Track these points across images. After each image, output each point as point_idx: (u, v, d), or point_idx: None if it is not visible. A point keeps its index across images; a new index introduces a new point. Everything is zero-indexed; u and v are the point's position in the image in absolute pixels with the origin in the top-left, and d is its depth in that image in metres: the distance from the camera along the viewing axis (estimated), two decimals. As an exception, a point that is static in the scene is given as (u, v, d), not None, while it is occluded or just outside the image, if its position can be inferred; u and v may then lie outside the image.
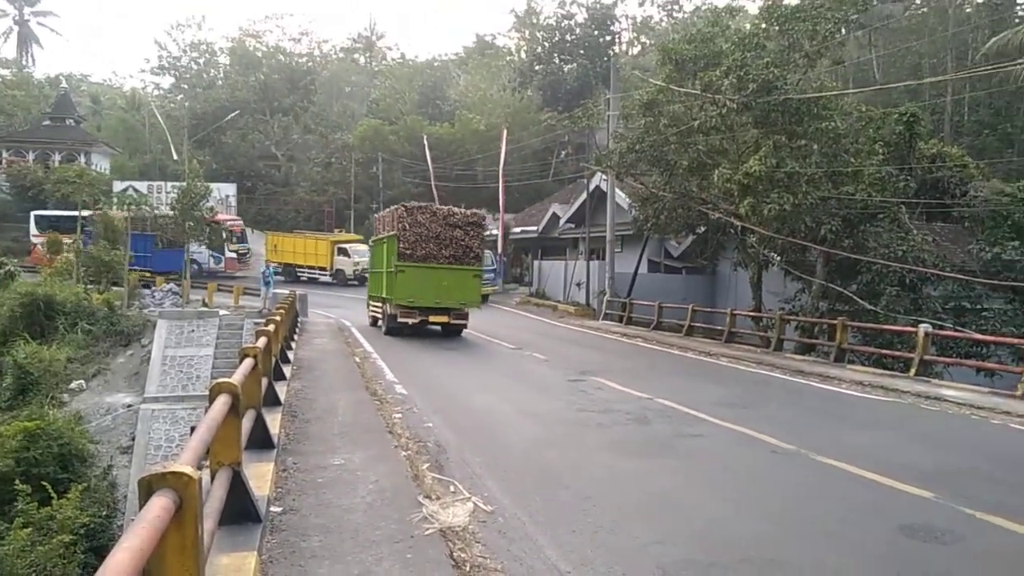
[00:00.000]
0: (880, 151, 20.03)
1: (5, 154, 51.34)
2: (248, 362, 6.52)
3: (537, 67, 59.20)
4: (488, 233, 45.06)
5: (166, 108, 68.03)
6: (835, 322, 17.82)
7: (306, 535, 5.44)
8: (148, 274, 33.42)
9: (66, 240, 34.51)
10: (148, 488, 2.78)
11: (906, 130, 22.71)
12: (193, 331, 23.98)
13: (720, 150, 21.46)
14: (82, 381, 22.81)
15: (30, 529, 13.08)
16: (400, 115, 59.32)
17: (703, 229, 26.73)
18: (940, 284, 20.47)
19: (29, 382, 21.45)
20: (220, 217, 39.40)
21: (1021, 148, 35.76)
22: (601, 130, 31.41)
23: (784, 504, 6.95)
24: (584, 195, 33.42)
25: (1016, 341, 15.41)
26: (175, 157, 53.11)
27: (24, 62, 76.14)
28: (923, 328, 15.43)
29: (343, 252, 42.12)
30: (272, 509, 5.79)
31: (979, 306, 20.41)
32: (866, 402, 12.71)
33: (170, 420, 21.02)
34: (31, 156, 50.87)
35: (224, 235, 39.58)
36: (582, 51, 58.30)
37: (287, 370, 12.89)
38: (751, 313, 22.53)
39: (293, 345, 16.94)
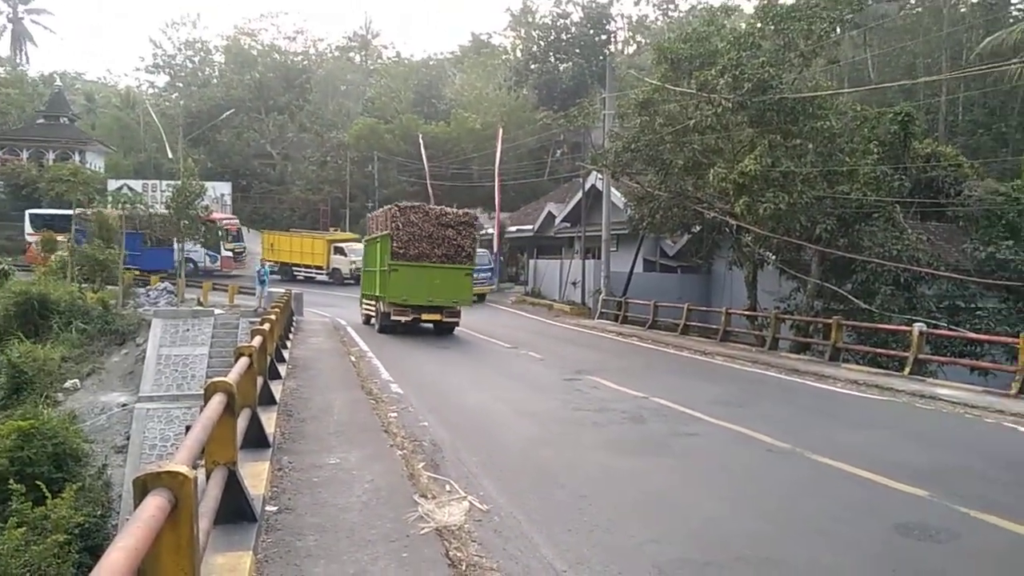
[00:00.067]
0: (875, 150, 20.06)
1: (-1, 152, 51.18)
2: (243, 361, 6.51)
3: (533, 66, 59.21)
4: (484, 232, 45.20)
5: (161, 106, 67.80)
6: (830, 321, 17.86)
7: (302, 534, 5.44)
8: (137, 272, 33.32)
9: (60, 239, 34.40)
10: (143, 487, 2.77)
11: (901, 130, 22.76)
12: (188, 330, 23.93)
13: (715, 149, 21.48)
14: (76, 380, 22.74)
15: (24, 529, 13.03)
16: (396, 114, 59.24)
17: (698, 228, 26.78)
18: (935, 283, 20.53)
19: (23, 381, 21.37)
20: (216, 216, 39.36)
21: (1015, 147, 35.81)
22: (597, 129, 31.42)
23: (779, 503, 6.96)
24: (580, 194, 33.43)
25: (1010, 340, 15.42)
26: (170, 156, 52.91)
27: (18, 60, 75.83)
28: (918, 327, 15.46)
29: (339, 251, 42.05)
30: (268, 508, 5.77)
31: (973, 305, 20.49)
32: (861, 401, 12.74)
33: (165, 419, 20.97)
34: (25, 154, 50.67)
35: (220, 234, 39.52)
36: (578, 50, 58.32)
37: (282, 369, 12.88)
38: (746, 312, 22.57)
39: (288, 344, 16.92)
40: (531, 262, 40.24)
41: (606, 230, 29.28)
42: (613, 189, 29.49)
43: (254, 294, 28.99)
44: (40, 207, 40.95)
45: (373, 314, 23.05)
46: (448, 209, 22.43)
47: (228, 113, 57.56)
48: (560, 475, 7.61)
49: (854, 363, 17.06)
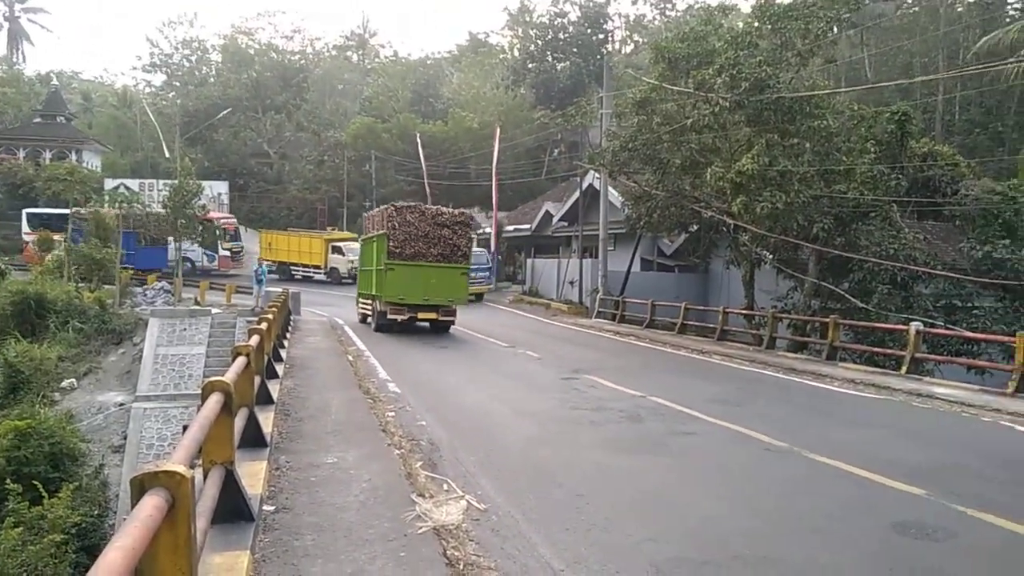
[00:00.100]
0: (872, 150, 20.10)
1: (-5, 152, 51.05)
2: (241, 360, 6.50)
3: (530, 65, 59.21)
4: (481, 231, 45.22)
5: (158, 105, 67.79)
6: (827, 320, 17.90)
7: (299, 534, 5.43)
8: (133, 271, 33.28)
9: (56, 238, 34.36)
10: (140, 487, 2.77)
11: (898, 129, 22.80)
12: (185, 329, 23.89)
13: (713, 148, 21.49)
14: (73, 380, 22.70)
15: (21, 528, 13.00)
16: (393, 113, 59.22)
17: (696, 227, 26.80)
18: (931, 282, 20.57)
19: (20, 381, 21.32)
20: (214, 215, 39.31)
21: (1012, 147, 35.90)
22: (594, 128, 31.48)
23: (777, 502, 6.97)
24: (577, 193, 33.44)
25: (1006, 339, 15.45)
26: (167, 155, 52.93)
27: (14, 59, 75.69)
28: (914, 326, 15.49)
29: (337, 250, 42.01)
30: (265, 508, 5.77)
31: (970, 304, 20.52)
32: (858, 400, 12.76)
33: (162, 419, 20.93)
34: (22, 154, 50.56)
35: (218, 233, 39.48)
36: (575, 49, 58.34)
37: (280, 368, 12.86)
38: (743, 311, 22.58)
39: (286, 343, 16.91)
40: (528, 261, 40.23)
41: (603, 229, 29.29)
42: (610, 188, 29.50)
43: (251, 293, 28.97)
44: (37, 206, 40.89)
45: (369, 313, 23.22)
46: (444, 209, 22.61)
47: (225, 112, 57.54)
48: (558, 474, 7.62)
49: (851, 362, 17.09)
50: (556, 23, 60.26)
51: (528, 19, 66.20)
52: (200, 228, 33.18)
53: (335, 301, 31.68)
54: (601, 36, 61.14)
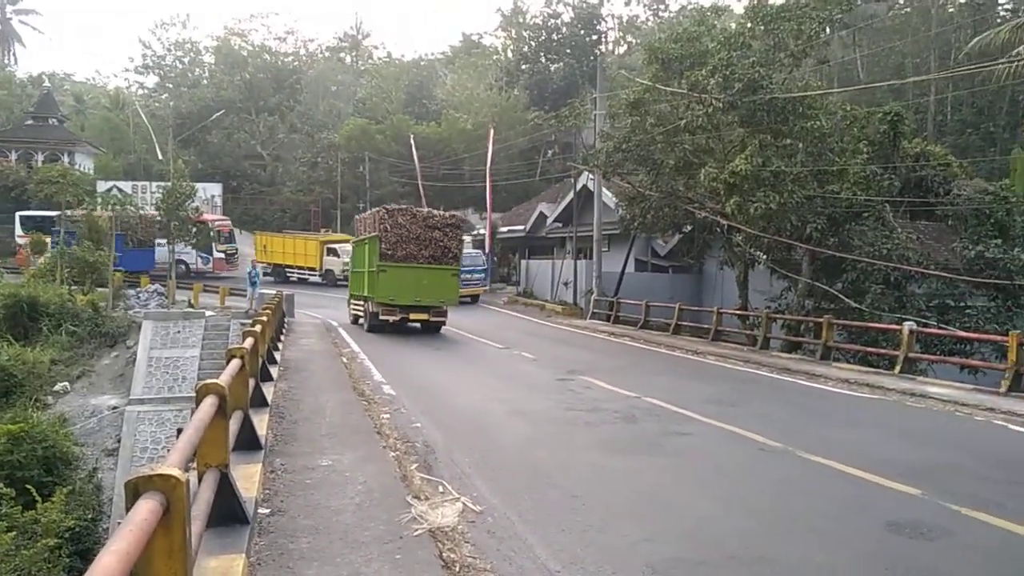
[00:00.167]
0: (864, 150, 20.16)
1: (-13, 154, 50.84)
2: (235, 363, 6.48)
3: (524, 66, 59.27)
4: (475, 232, 45.21)
5: (150, 107, 67.52)
6: (821, 320, 17.94)
7: (295, 537, 5.42)
8: (123, 274, 33.14)
9: (47, 240, 34.24)
10: (135, 491, 2.76)
11: (890, 129, 22.87)
12: (179, 332, 23.82)
13: (706, 149, 21.53)
14: (66, 383, 22.60)
15: (14, 533, 12.93)
16: (387, 114, 59.16)
17: (690, 228, 26.83)
18: (924, 282, 20.64)
19: (12, 384, 21.21)
20: (208, 217, 39.15)
21: (1003, 147, 36.06)
22: (588, 129, 31.46)
23: (772, 502, 6.99)
24: (571, 194, 33.44)
25: (999, 338, 15.54)
26: (160, 157, 52.66)
27: (6, 61, 75.32)
28: (907, 326, 15.54)
29: (332, 252, 41.90)
30: (260, 511, 5.76)
31: (962, 304, 20.62)
32: (852, 399, 12.79)
33: (156, 422, 20.86)
34: (13, 156, 50.35)
35: (212, 235, 39.35)
36: (568, 50, 58.43)
37: (274, 371, 12.84)
38: (738, 312, 22.63)
39: (280, 346, 16.88)
40: (523, 262, 40.23)
41: (597, 230, 29.32)
42: (604, 189, 29.52)
43: (245, 296, 28.88)
44: (29, 209, 40.71)
45: (361, 314, 23.50)
46: (435, 211, 23.14)
47: (218, 114, 57.40)
48: (553, 475, 7.62)
49: (845, 362, 17.13)
50: (549, 24, 60.35)
51: (521, 20, 66.26)
52: (194, 230, 33.03)
53: (330, 303, 31.60)
54: (594, 37, 61.25)
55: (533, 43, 60.78)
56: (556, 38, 59.69)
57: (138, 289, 32.26)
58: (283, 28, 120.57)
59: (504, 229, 43.11)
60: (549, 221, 37.34)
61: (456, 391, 13.22)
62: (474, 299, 34.73)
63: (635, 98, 22.94)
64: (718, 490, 7.36)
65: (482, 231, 42.64)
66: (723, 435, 9.63)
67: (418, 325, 21.79)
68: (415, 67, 73.99)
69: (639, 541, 5.80)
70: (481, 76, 60.43)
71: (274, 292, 25.44)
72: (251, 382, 7.81)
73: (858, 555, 5.57)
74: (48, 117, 53.08)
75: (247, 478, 5.94)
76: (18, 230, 39.93)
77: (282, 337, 18.84)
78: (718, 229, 23.85)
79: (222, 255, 41.81)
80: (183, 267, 37.76)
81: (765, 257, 22.19)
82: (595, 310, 28.65)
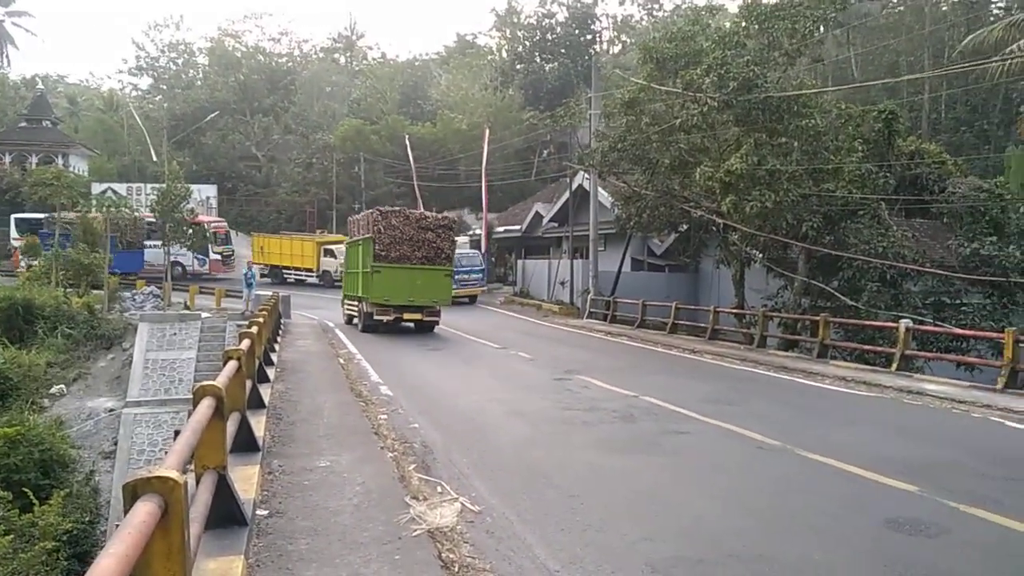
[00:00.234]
0: (860, 148, 20.19)
1: (-19, 156, 50.65)
2: (232, 364, 6.47)
3: (518, 66, 59.32)
4: (471, 232, 45.19)
5: (145, 109, 67.37)
6: (817, 318, 17.96)
7: (293, 538, 5.41)
8: (118, 276, 33.05)
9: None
10: (133, 493, 2.75)
11: (885, 127, 22.91)
12: (175, 334, 23.77)
13: (702, 148, 21.54)
14: (63, 386, 22.53)
15: (12, 536, 12.88)
16: (382, 115, 59.09)
17: (685, 227, 26.86)
18: (920, 280, 20.67)
19: (8, 387, 21.13)
20: (204, 219, 39.07)
21: (997, 144, 36.16)
22: (583, 129, 31.44)
23: (770, 500, 6.99)
24: (567, 194, 33.46)
25: (995, 335, 15.58)
26: (154, 158, 52.61)
27: (-1, 63, 75.08)
28: (904, 323, 15.57)
29: (329, 253, 41.84)
30: (258, 512, 5.74)
31: (958, 301, 20.65)
32: (849, 397, 12.81)
33: (153, 424, 20.82)
34: (7, 158, 50.17)
35: (208, 236, 39.28)
36: (563, 50, 58.49)
37: (271, 372, 12.82)
38: (734, 310, 22.65)
39: (276, 347, 16.85)
40: (519, 262, 40.21)
41: (594, 230, 29.33)
42: (600, 189, 29.53)
43: (241, 297, 28.82)
44: (24, 211, 40.57)
45: (355, 314, 23.86)
46: (427, 213, 23.71)
47: (213, 115, 57.28)
48: (552, 475, 7.61)
49: (842, 360, 17.16)
50: (544, 24, 60.39)
51: (516, 20, 66.28)
52: (189, 232, 32.97)
53: (326, 304, 31.56)
54: (589, 37, 61.33)
55: (528, 43, 60.79)
56: (551, 38, 59.73)
57: (134, 291, 32.13)
58: (277, 29, 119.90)
59: (500, 229, 43.11)
60: (545, 221, 37.36)
61: (454, 391, 13.21)
62: (472, 299, 34.73)
63: (630, 97, 22.96)
64: (716, 489, 7.36)
65: (478, 231, 42.63)
66: (721, 434, 9.64)
67: (412, 325, 22.05)
68: (410, 67, 73.92)
69: (638, 540, 5.80)
70: (476, 76, 60.44)
71: (270, 293, 25.40)
72: (248, 383, 7.80)
73: (856, 553, 5.58)
74: (42, 119, 52.92)
75: (245, 480, 5.93)
76: (13, 232, 39.81)
77: (279, 338, 18.82)
78: (714, 228, 23.87)
79: (218, 257, 41.75)
80: (180, 269, 37.70)
81: (761, 256, 22.22)
82: (592, 310, 28.66)
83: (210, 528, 4.45)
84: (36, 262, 32.15)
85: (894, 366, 15.05)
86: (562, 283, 32.99)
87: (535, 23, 61.15)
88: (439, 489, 6.84)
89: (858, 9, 36.74)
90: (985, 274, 19.85)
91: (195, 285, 32.70)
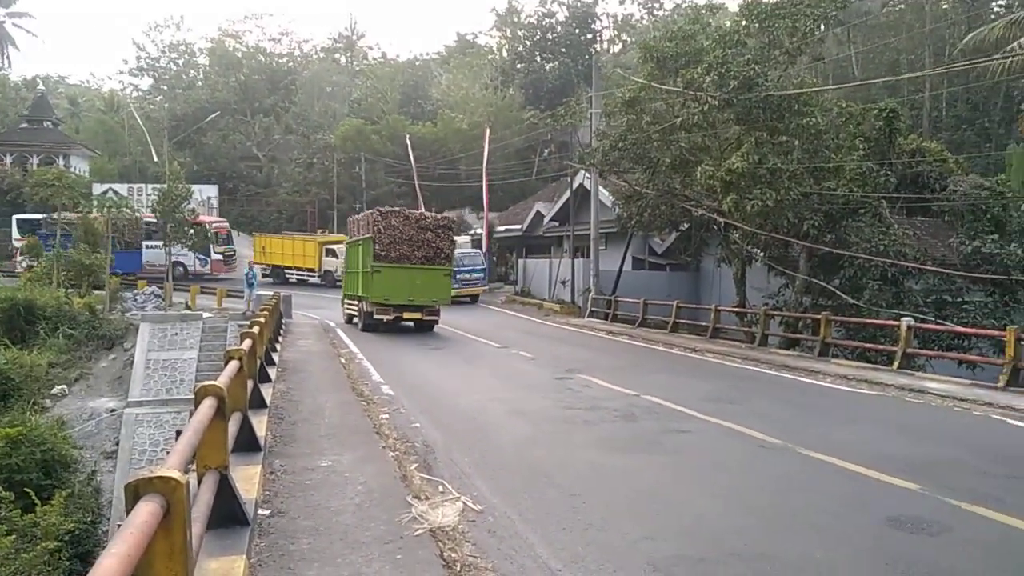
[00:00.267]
0: (860, 147, 20.17)
1: (-18, 157, 50.72)
2: (233, 364, 6.47)
3: (519, 66, 59.32)
4: (473, 232, 45.18)
5: (145, 109, 67.42)
6: (819, 317, 17.95)
7: (295, 538, 5.42)
8: (119, 276, 33.06)
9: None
10: (135, 493, 2.75)
11: (886, 126, 22.86)
12: (176, 334, 23.78)
13: (702, 147, 21.53)
14: (64, 386, 22.55)
15: (14, 536, 12.89)
16: (382, 115, 59.10)
17: (687, 226, 26.85)
18: (921, 278, 20.65)
19: (10, 388, 21.16)
20: (205, 219, 39.11)
21: (998, 142, 36.10)
22: (584, 128, 31.43)
23: (772, 498, 6.99)
24: (568, 193, 33.44)
25: (996, 333, 15.56)
26: (155, 159, 52.66)
27: (0, 64, 75.16)
28: (905, 321, 15.56)
29: (331, 253, 41.83)
30: (260, 512, 5.75)
31: (960, 299, 20.62)
32: (851, 396, 12.80)
33: (154, 424, 20.83)
34: (9, 159, 50.25)
35: (209, 236, 39.30)
36: (563, 49, 58.49)
37: (272, 372, 12.82)
38: (735, 309, 22.64)
39: (278, 347, 16.85)
40: (520, 262, 40.21)
41: (594, 229, 29.33)
42: (601, 188, 29.53)
43: (242, 297, 28.82)
44: (25, 212, 40.61)
45: (355, 314, 24.03)
46: (427, 213, 23.95)
47: (213, 115, 57.30)
48: (553, 474, 7.61)
49: (843, 358, 17.14)
50: (544, 23, 60.39)
51: (516, 19, 66.28)
52: (191, 232, 32.98)
53: (328, 304, 31.55)
54: (589, 36, 61.32)
55: (528, 42, 60.80)
56: (551, 37, 59.73)
57: (135, 291, 32.16)
58: (277, 29, 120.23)
59: (501, 228, 43.11)
60: (546, 220, 37.34)
61: (455, 391, 13.21)
62: (473, 299, 34.74)
63: (631, 96, 22.93)
64: (718, 487, 7.36)
65: (479, 231, 42.60)
66: (722, 432, 9.63)
67: (411, 324, 22.18)
68: (410, 67, 73.94)
69: (639, 539, 5.80)
70: (476, 76, 60.43)
71: (272, 293, 25.41)
72: (249, 383, 7.80)
73: (858, 551, 5.58)
74: (43, 120, 53.01)
75: (247, 479, 5.93)
76: (15, 233, 39.84)
77: (280, 338, 18.82)
78: (715, 227, 23.86)
79: (220, 257, 41.78)
80: (181, 269, 37.73)
81: (762, 254, 22.21)
82: (593, 309, 28.65)
83: (212, 528, 4.46)
84: (36, 262, 32.18)
85: (895, 364, 15.05)
86: (563, 282, 32.99)
87: (535, 22, 61.17)
88: (441, 488, 6.84)
89: (859, 7, 36.70)
90: (986, 272, 19.83)
91: (196, 285, 32.72)
